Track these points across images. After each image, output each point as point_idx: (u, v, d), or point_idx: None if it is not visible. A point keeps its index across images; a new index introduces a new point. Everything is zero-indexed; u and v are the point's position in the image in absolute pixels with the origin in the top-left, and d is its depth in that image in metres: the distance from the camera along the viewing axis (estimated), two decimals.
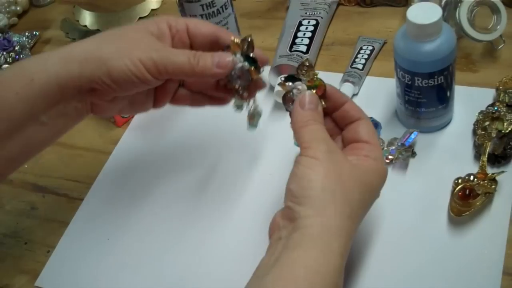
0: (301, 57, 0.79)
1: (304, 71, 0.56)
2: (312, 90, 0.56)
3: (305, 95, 0.55)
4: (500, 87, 0.71)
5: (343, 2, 0.92)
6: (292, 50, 0.80)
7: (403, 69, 0.65)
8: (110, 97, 0.57)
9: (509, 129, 0.66)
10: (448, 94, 0.67)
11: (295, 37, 0.82)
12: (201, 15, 0.77)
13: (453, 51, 0.63)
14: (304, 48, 0.80)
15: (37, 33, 1.03)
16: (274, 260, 0.47)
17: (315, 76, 0.56)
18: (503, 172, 0.64)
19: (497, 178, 0.63)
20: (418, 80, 0.64)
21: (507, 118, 0.66)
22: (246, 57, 0.58)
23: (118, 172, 0.77)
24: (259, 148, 0.74)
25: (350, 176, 0.50)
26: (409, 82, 0.65)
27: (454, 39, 0.63)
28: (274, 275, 0.46)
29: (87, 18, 1.05)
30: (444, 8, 0.77)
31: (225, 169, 0.74)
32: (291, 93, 0.57)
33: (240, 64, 0.58)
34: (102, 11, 1.06)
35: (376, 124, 0.70)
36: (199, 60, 0.56)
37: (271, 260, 0.48)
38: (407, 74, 0.65)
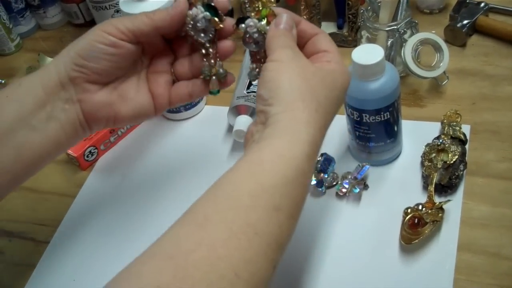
0: None
1: (247, 7, 0.57)
2: (263, 20, 0.56)
3: (282, 16, 0.56)
4: (445, 121, 0.75)
5: None
6: (249, 91, 0.83)
7: (351, 106, 0.68)
8: (91, 79, 0.60)
9: (454, 160, 0.69)
10: (396, 128, 0.71)
11: None
12: None
13: (397, 88, 0.67)
14: None
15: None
16: (245, 153, 0.50)
17: (259, 8, 0.57)
18: (449, 201, 0.67)
19: (444, 206, 0.66)
20: (366, 116, 0.68)
21: (451, 150, 0.70)
22: (207, 7, 0.58)
23: (83, 214, 0.79)
24: None
25: (314, 75, 0.53)
26: (358, 119, 0.69)
27: (397, 77, 0.67)
28: (242, 160, 0.49)
29: None
30: (390, 48, 0.81)
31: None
32: (248, 34, 0.57)
33: (201, 15, 0.58)
34: None
35: (330, 160, 0.74)
36: (154, 13, 0.60)
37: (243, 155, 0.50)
38: (355, 111, 0.68)
